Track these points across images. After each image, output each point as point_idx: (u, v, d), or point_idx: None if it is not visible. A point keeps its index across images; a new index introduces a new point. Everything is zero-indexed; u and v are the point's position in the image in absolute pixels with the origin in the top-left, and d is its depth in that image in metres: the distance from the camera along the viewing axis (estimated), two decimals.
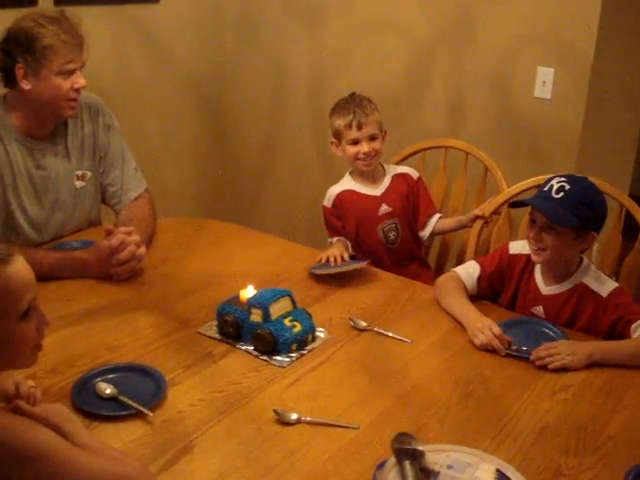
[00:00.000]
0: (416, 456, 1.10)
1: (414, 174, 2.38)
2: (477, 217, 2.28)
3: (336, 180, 2.41)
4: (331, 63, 3.35)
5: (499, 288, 1.97)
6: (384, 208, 2.31)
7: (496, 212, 2.29)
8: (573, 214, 1.73)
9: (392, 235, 2.33)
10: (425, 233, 2.35)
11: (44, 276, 1.88)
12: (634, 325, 1.71)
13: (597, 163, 2.85)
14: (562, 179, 1.77)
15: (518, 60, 2.82)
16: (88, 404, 1.42)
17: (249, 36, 3.56)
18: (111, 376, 1.51)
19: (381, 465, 1.13)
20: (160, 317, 1.79)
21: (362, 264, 2.05)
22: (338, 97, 3.33)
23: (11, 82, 2.05)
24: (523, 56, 2.80)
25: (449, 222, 2.37)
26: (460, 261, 2.40)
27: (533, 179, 2.22)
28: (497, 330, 1.69)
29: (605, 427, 1.45)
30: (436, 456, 1.13)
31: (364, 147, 2.22)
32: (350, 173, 2.36)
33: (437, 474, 1.10)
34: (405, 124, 3.13)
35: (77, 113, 2.14)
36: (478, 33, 2.89)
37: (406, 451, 1.09)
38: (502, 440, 1.39)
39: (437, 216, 2.36)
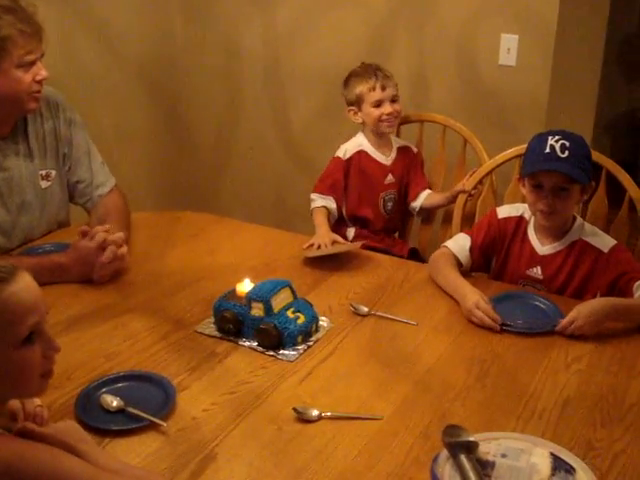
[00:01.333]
0: (470, 448, 1.06)
1: (414, 148, 2.49)
2: (460, 191, 2.27)
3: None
4: (286, 42, 3.25)
5: (492, 256, 1.95)
6: (390, 178, 2.43)
7: (479, 184, 2.28)
8: (582, 170, 1.74)
9: (390, 205, 2.43)
10: (416, 205, 2.44)
11: None
12: (637, 283, 1.71)
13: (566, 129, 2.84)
14: (558, 137, 1.76)
15: (481, 28, 2.79)
16: (95, 419, 1.33)
17: (199, 17, 3.43)
18: (115, 387, 1.42)
19: (435, 459, 1.08)
20: (153, 319, 1.70)
21: (356, 245, 2.02)
22: (295, 76, 3.30)
23: None
24: (486, 24, 2.77)
25: (437, 198, 2.44)
26: (444, 235, 2.39)
27: (514, 149, 2.20)
28: (484, 307, 1.66)
29: (625, 395, 1.45)
30: (487, 445, 1.09)
31: (387, 108, 2.32)
32: (364, 135, 2.42)
33: (493, 464, 1.06)
34: None
35: (39, 106, 2.01)
36: (439, 1, 2.84)
37: (460, 444, 1.05)
38: (528, 418, 1.37)
39: (427, 191, 2.44)
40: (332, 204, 2.33)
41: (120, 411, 1.36)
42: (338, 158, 2.40)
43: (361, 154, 2.40)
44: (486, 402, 1.42)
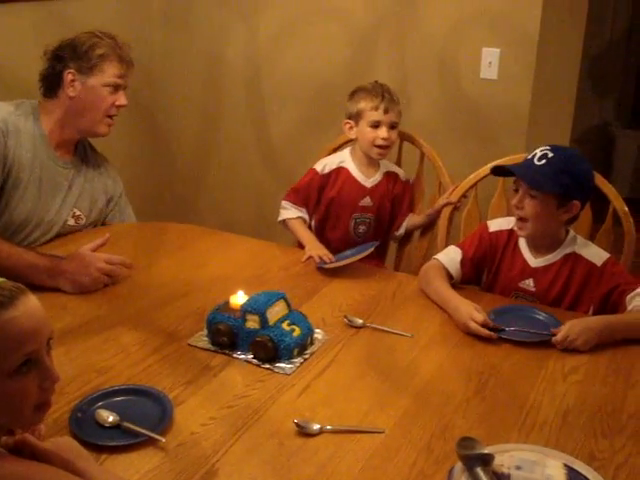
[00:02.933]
0: (486, 461, 1.04)
1: (403, 176, 2.38)
2: (445, 205, 2.26)
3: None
4: (268, 54, 3.24)
5: (483, 269, 1.95)
6: (366, 200, 2.31)
7: (464, 196, 2.28)
8: (553, 181, 1.75)
9: (361, 228, 2.32)
10: (400, 232, 2.37)
11: (21, 273, 1.74)
12: (629, 296, 1.73)
13: (545, 142, 2.87)
14: (546, 147, 1.79)
15: (463, 42, 2.80)
16: (91, 435, 1.29)
17: (179, 28, 3.40)
18: (110, 401, 1.38)
19: (451, 472, 1.07)
20: (144, 332, 1.66)
21: (370, 249, 2.01)
22: (277, 88, 3.28)
23: (52, 89, 2.04)
24: (468, 37, 2.79)
25: (418, 219, 2.39)
26: (432, 248, 2.38)
27: (496, 162, 2.20)
28: (479, 317, 1.66)
29: (623, 406, 1.45)
30: (500, 457, 1.08)
31: (384, 132, 2.22)
32: (350, 152, 2.34)
33: (508, 476, 1.05)
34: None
35: (109, 132, 2.12)
36: (421, 16, 2.86)
37: (476, 457, 1.04)
38: (529, 430, 1.36)
39: (408, 215, 2.39)
40: (306, 216, 2.28)
41: (116, 426, 1.32)
42: (315, 172, 2.30)
43: (341, 171, 2.31)
44: (487, 414, 1.41)
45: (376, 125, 2.22)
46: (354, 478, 1.23)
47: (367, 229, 2.33)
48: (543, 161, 1.76)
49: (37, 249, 1.96)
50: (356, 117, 2.26)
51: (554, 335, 1.63)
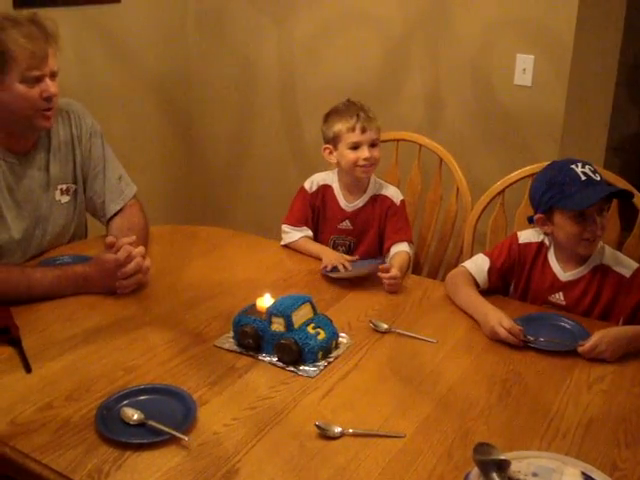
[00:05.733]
0: (502, 467, 1.04)
1: (397, 198, 2.23)
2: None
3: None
4: (302, 58, 3.28)
5: (510, 280, 1.94)
6: (346, 224, 2.23)
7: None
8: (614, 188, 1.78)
9: (341, 250, 2.22)
10: (387, 259, 2.13)
11: (45, 296, 1.78)
12: None
13: (580, 150, 2.85)
14: (581, 163, 1.77)
15: (496, 48, 2.80)
16: (116, 433, 1.32)
17: (214, 32, 3.45)
18: (135, 400, 1.41)
19: (467, 477, 1.07)
20: (171, 332, 1.69)
21: (379, 263, 1.98)
22: (310, 93, 3.31)
23: None
24: (502, 44, 2.78)
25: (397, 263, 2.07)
26: (453, 258, 2.37)
27: (527, 168, 2.19)
28: (508, 324, 1.66)
29: None
30: (517, 464, 1.08)
31: (365, 152, 2.12)
32: (338, 172, 2.26)
33: None
34: (382, 119, 3.04)
35: (52, 124, 1.99)
36: (454, 22, 2.86)
37: (492, 462, 1.04)
38: (552, 438, 1.35)
39: (398, 248, 2.14)
40: (309, 232, 2.21)
41: (141, 424, 1.34)
42: (304, 190, 2.25)
43: (327, 189, 2.24)
44: (509, 421, 1.41)
45: (356, 147, 2.13)
46: None
47: (347, 250, 2.23)
48: (598, 176, 1.75)
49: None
50: (334, 141, 2.16)
51: (582, 346, 1.61)
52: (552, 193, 1.78)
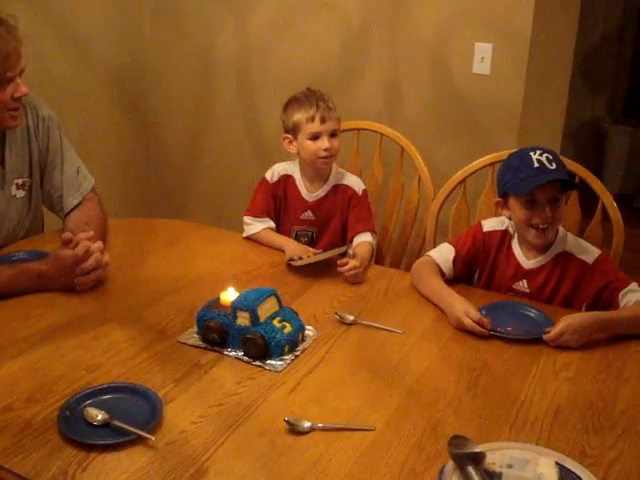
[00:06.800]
0: (478, 459, 1.04)
1: (359, 187, 2.21)
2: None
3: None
4: (260, 48, 3.23)
5: (475, 268, 1.95)
6: (308, 214, 2.21)
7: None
8: (569, 176, 1.78)
9: (304, 241, 2.20)
10: (350, 249, 2.09)
11: (1, 295, 1.73)
12: (622, 292, 1.73)
13: (537, 137, 2.88)
14: (540, 151, 1.77)
15: (455, 37, 2.80)
16: (80, 434, 1.28)
17: (171, 23, 3.39)
18: (98, 399, 1.37)
19: (442, 471, 1.06)
20: (133, 329, 1.65)
21: (341, 249, 1.96)
22: (268, 82, 3.27)
23: None
24: (460, 33, 2.78)
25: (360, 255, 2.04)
26: (415, 248, 2.37)
27: (488, 156, 2.19)
28: (475, 315, 1.66)
29: (615, 402, 1.45)
30: (491, 455, 1.08)
31: (325, 142, 2.09)
32: (299, 162, 2.23)
33: (500, 475, 1.04)
34: (340, 107, 3.01)
35: (20, 122, 1.95)
36: (413, 10, 2.85)
37: (467, 455, 1.03)
38: (521, 427, 1.36)
39: (360, 239, 2.13)
40: (272, 224, 2.18)
41: (105, 425, 1.31)
42: (266, 181, 2.21)
43: (288, 179, 2.21)
44: (478, 411, 1.41)
45: (316, 137, 2.10)
46: (345, 476, 1.22)
47: (309, 241, 2.21)
48: (554, 164, 1.74)
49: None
50: (293, 131, 2.14)
51: (547, 333, 1.62)
52: (507, 178, 1.81)
